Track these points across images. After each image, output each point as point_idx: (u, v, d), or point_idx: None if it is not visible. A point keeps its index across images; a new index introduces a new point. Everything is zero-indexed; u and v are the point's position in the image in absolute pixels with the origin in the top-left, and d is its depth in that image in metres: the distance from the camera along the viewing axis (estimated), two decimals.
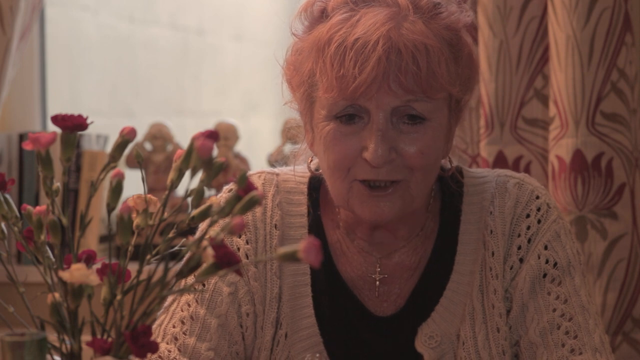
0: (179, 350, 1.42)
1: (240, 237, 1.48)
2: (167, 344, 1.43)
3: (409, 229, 1.49)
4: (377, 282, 1.48)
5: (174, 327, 1.44)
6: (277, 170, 1.55)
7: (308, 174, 1.52)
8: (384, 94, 1.36)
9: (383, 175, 1.38)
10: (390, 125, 1.38)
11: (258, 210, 1.49)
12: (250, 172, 1.55)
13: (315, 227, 1.50)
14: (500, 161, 2.03)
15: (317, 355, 1.41)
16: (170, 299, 1.46)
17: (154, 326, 1.46)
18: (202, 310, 1.44)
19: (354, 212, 1.42)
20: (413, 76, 1.35)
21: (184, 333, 1.43)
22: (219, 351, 1.43)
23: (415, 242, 1.49)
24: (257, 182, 1.52)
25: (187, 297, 1.45)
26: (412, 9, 1.39)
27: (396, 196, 1.40)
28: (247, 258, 1.47)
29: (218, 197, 1.52)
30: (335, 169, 1.40)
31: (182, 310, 1.45)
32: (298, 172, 1.53)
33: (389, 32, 1.35)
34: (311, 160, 1.51)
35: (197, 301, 1.45)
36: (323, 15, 1.42)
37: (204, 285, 1.45)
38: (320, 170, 1.47)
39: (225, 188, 1.52)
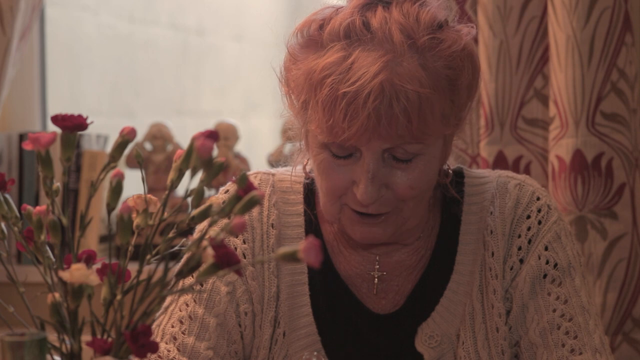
0: (178, 349, 1.42)
1: (237, 236, 1.48)
2: (166, 343, 1.43)
3: (409, 235, 1.49)
4: (376, 280, 1.49)
5: (172, 326, 1.44)
6: (273, 170, 1.55)
7: (304, 173, 1.52)
8: (374, 140, 1.34)
9: (372, 210, 1.38)
10: (381, 164, 1.36)
11: (255, 210, 1.49)
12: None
13: (312, 226, 1.50)
14: (500, 161, 2.03)
15: (315, 353, 1.41)
16: (168, 299, 1.46)
17: (152, 326, 1.46)
18: (200, 310, 1.44)
19: (345, 232, 1.43)
20: (403, 126, 1.33)
21: (182, 332, 1.44)
22: (217, 350, 1.44)
23: (416, 243, 1.50)
24: (253, 182, 1.52)
25: (185, 297, 1.46)
26: (408, 50, 1.34)
27: (388, 222, 1.40)
28: (245, 257, 1.48)
29: (216, 197, 1.52)
30: (327, 194, 1.41)
31: (180, 310, 1.45)
32: (296, 172, 1.54)
33: (381, 83, 1.31)
34: (307, 163, 1.51)
35: (195, 301, 1.45)
36: (319, 38, 1.38)
37: (202, 285, 1.45)
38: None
39: (222, 189, 1.52)
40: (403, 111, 1.32)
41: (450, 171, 1.50)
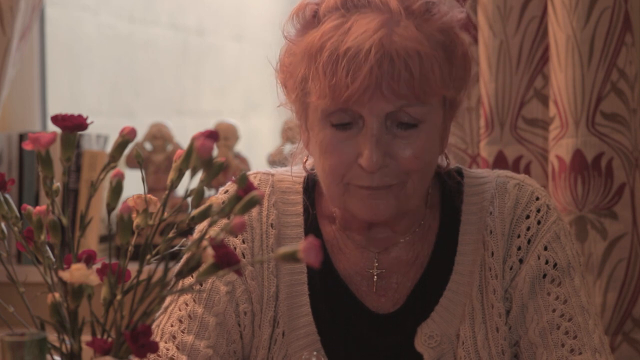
0: (177, 347, 1.42)
1: (236, 236, 1.48)
2: (165, 342, 1.43)
3: (407, 224, 1.49)
4: (375, 277, 1.49)
5: (172, 326, 1.44)
6: (272, 170, 1.55)
7: (303, 174, 1.53)
8: (377, 101, 1.35)
9: (378, 181, 1.38)
10: (384, 130, 1.37)
11: (254, 210, 1.49)
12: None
13: (312, 226, 1.50)
14: (500, 161, 2.03)
15: (315, 353, 1.41)
16: (168, 299, 1.46)
17: (152, 326, 1.46)
18: (199, 309, 1.44)
19: (351, 212, 1.43)
20: (406, 83, 1.35)
21: (182, 331, 1.44)
22: (217, 349, 1.44)
23: (412, 237, 1.50)
24: (252, 182, 1.52)
25: (185, 297, 1.46)
26: (404, 14, 1.37)
27: (391, 196, 1.40)
28: (244, 257, 1.48)
29: (215, 198, 1.53)
30: (330, 174, 1.40)
31: (179, 310, 1.45)
32: (294, 172, 1.54)
33: (381, 39, 1.34)
34: (306, 160, 1.51)
35: (194, 300, 1.45)
36: (315, 19, 1.41)
37: (201, 285, 1.45)
38: (315, 171, 1.47)
39: (222, 189, 1.52)
40: (405, 66, 1.34)
41: (448, 161, 1.51)
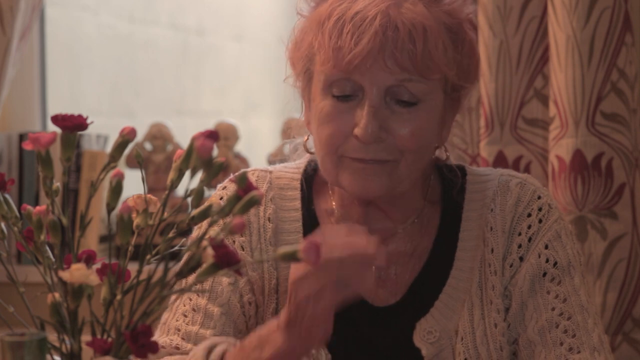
0: (182, 338, 1.43)
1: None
2: (170, 336, 1.44)
3: (403, 212, 1.49)
4: (373, 268, 1.49)
5: (176, 320, 1.45)
6: (270, 168, 1.56)
7: (301, 170, 1.53)
8: (378, 70, 1.37)
9: (372, 154, 1.39)
10: (383, 104, 1.39)
11: None
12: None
13: (309, 220, 1.51)
14: (500, 161, 2.03)
15: None
16: (173, 297, 1.47)
17: (161, 320, 1.47)
18: (203, 301, 1.45)
19: (343, 187, 1.44)
20: (409, 54, 1.37)
21: (186, 324, 1.44)
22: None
23: (410, 229, 1.50)
24: (250, 179, 1.52)
25: (189, 293, 1.46)
26: None
27: (384, 172, 1.41)
28: (243, 250, 1.49)
29: (213, 195, 1.53)
30: (326, 144, 1.42)
31: (184, 305, 1.46)
32: (291, 168, 1.55)
33: (388, 8, 1.37)
34: (307, 139, 1.52)
35: (197, 294, 1.46)
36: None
37: (202, 284, 1.45)
38: (314, 150, 1.48)
39: (220, 186, 1.53)
40: (409, 37, 1.36)
41: (448, 154, 1.51)
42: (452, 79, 1.43)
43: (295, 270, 1.22)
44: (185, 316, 1.45)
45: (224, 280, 1.46)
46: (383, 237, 1.49)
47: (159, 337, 1.45)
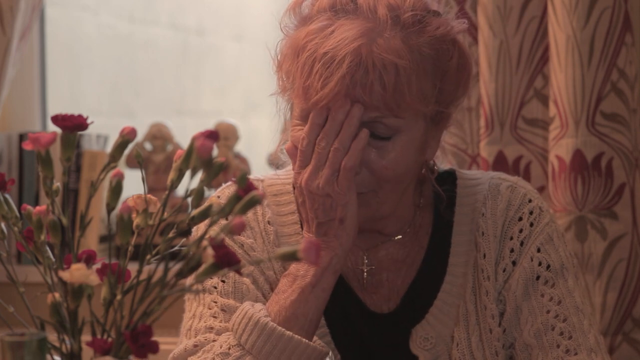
0: (217, 334, 1.41)
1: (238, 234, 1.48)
2: (204, 334, 1.41)
3: (394, 225, 1.49)
4: (365, 274, 1.49)
5: (205, 322, 1.43)
6: (261, 176, 1.56)
7: (292, 176, 1.53)
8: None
9: None
10: None
11: (248, 212, 1.49)
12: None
13: None
14: (500, 161, 2.03)
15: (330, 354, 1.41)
16: (188, 307, 1.46)
17: (182, 331, 1.45)
18: (231, 301, 1.43)
19: None
20: (378, 95, 1.34)
21: (220, 322, 1.42)
22: None
23: (403, 236, 1.50)
24: None
25: (210, 297, 1.44)
26: (391, 23, 1.36)
27: (362, 203, 1.39)
28: (254, 251, 1.48)
29: (215, 194, 1.53)
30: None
31: (209, 308, 1.44)
32: (282, 174, 1.55)
33: (360, 47, 1.33)
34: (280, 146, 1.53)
35: (222, 296, 1.44)
36: (307, 17, 1.42)
37: (223, 281, 1.44)
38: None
39: (220, 189, 1.52)
40: (378, 79, 1.33)
41: (437, 168, 1.51)
42: (430, 111, 1.40)
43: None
44: (216, 317, 1.43)
45: (245, 280, 1.45)
46: (374, 244, 1.50)
47: (187, 341, 1.42)
